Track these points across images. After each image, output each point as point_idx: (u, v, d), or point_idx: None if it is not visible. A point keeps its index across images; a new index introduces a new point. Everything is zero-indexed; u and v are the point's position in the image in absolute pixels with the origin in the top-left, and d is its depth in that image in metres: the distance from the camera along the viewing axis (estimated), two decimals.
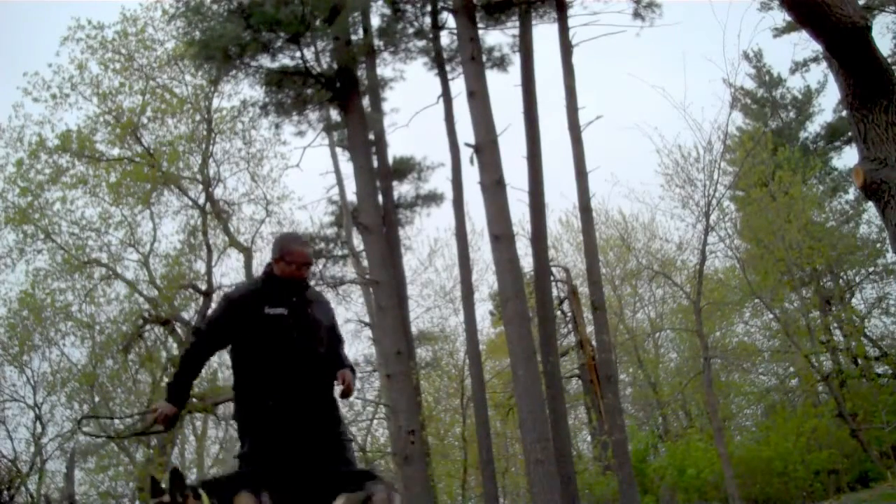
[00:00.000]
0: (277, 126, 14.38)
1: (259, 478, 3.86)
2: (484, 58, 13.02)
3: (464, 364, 17.98)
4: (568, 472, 11.82)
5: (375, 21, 14.17)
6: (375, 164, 14.03)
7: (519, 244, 12.58)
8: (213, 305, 4.66)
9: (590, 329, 15.78)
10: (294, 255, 4.11)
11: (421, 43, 14.25)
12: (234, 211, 16.99)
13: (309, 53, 12.89)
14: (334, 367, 4.16)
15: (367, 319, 14.22)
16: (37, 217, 15.34)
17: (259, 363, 3.98)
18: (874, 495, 10.60)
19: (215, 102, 16.28)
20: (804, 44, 20.02)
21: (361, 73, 13.84)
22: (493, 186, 11.35)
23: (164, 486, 3.66)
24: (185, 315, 16.39)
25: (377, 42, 14.05)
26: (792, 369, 17.51)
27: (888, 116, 4.33)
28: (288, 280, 4.10)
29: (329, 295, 17.59)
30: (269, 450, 3.91)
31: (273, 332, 3.98)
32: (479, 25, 12.95)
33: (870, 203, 5.46)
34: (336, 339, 4.31)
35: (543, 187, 12.95)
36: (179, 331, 16.07)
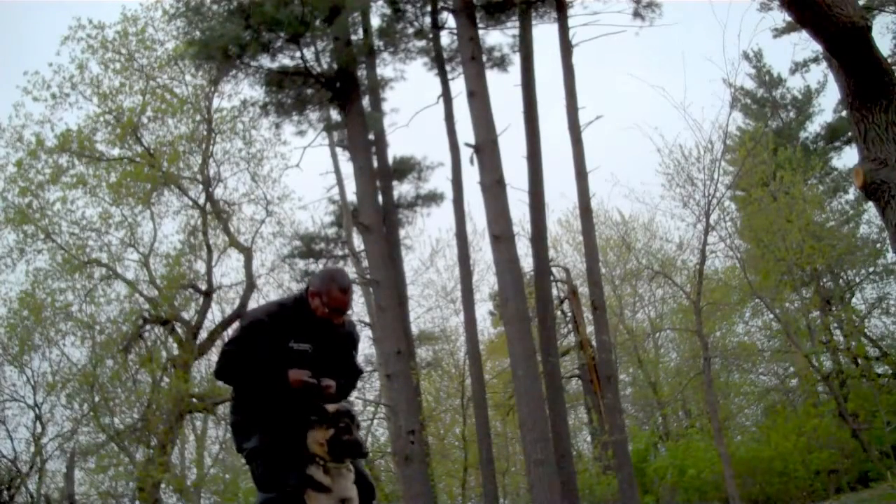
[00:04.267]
0: (277, 126, 14.44)
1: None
2: (484, 58, 13.03)
3: (464, 364, 17.97)
4: (568, 472, 11.82)
5: (375, 21, 14.21)
6: (375, 164, 14.04)
7: (519, 244, 12.58)
8: (240, 324, 4.33)
9: (590, 329, 15.77)
10: (332, 299, 3.89)
11: (421, 43, 14.26)
12: (234, 211, 17.01)
13: (309, 53, 12.91)
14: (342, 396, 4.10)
15: (367, 319, 14.23)
16: (37, 217, 15.34)
17: (272, 389, 3.88)
18: (874, 495, 10.59)
19: (215, 102, 16.31)
20: (804, 44, 20.06)
21: (361, 73, 13.84)
22: (493, 186, 11.36)
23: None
24: (185, 315, 16.40)
25: (377, 42, 14.05)
26: (792, 369, 17.50)
27: (888, 116, 4.33)
28: (319, 317, 3.93)
29: None
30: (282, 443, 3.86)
31: (293, 366, 3.86)
32: (479, 25, 12.95)
33: (870, 203, 5.46)
34: (352, 371, 4.21)
35: (543, 187, 12.96)
36: (179, 331, 16.07)
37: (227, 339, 4.08)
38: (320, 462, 3.86)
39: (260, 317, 3.97)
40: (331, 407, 3.95)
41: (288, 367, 3.85)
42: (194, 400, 15.61)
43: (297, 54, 12.74)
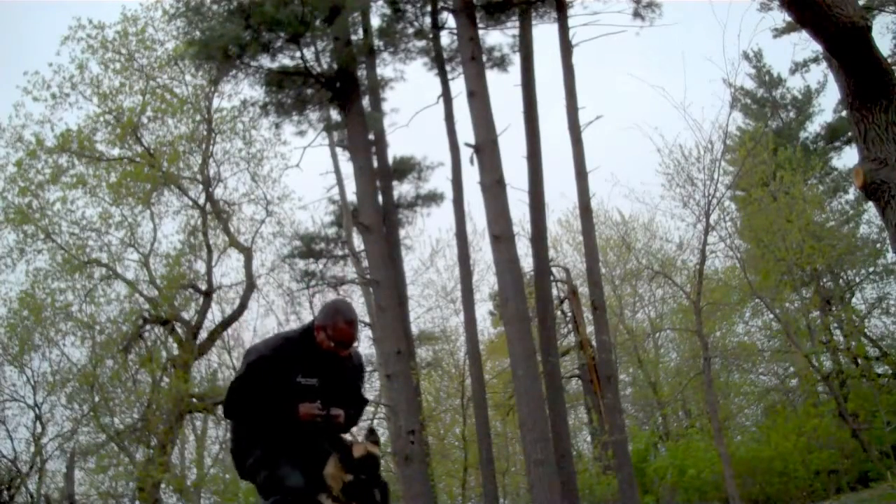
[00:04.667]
0: (277, 126, 14.42)
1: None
2: (484, 58, 13.02)
3: (464, 364, 17.98)
4: (568, 472, 11.82)
5: (375, 21, 14.21)
6: (375, 164, 14.04)
7: (519, 244, 12.57)
8: (245, 360, 4.06)
9: (590, 329, 15.78)
10: (337, 331, 3.85)
11: (421, 43, 14.26)
12: (234, 211, 17.02)
13: (309, 53, 12.90)
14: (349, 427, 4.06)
15: (367, 319, 14.23)
16: (37, 217, 15.35)
17: (278, 422, 3.85)
18: (874, 495, 10.59)
19: (215, 102, 16.32)
20: (804, 44, 20.08)
21: (361, 73, 13.84)
22: (493, 186, 11.35)
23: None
24: (185, 315, 16.40)
25: (377, 42, 14.05)
26: (792, 369, 17.49)
27: (888, 116, 4.33)
28: (325, 350, 3.90)
29: (329, 295, 17.63)
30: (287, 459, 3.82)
31: (301, 401, 3.83)
32: (479, 25, 12.95)
33: (870, 203, 5.46)
34: (358, 402, 4.18)
35: (543, 187, 12.96)
36: (179, 331, 16.08)
37: (233, 377, 4.02)
38: (331, 493, 3.81)
39: (265, 352, 3.92)
40: (357, 450, 3.89)
41: (296, 401, 3.81)
42: (194, 400, 15.62)
43: (297, 54, 12.74)
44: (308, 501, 3.76)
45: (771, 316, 16.48)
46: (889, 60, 4.61)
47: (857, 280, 18.89)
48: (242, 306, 16.83)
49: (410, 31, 14.15)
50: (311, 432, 3.86)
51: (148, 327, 15.90)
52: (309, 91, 13.18)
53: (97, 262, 15.70)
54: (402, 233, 15.68)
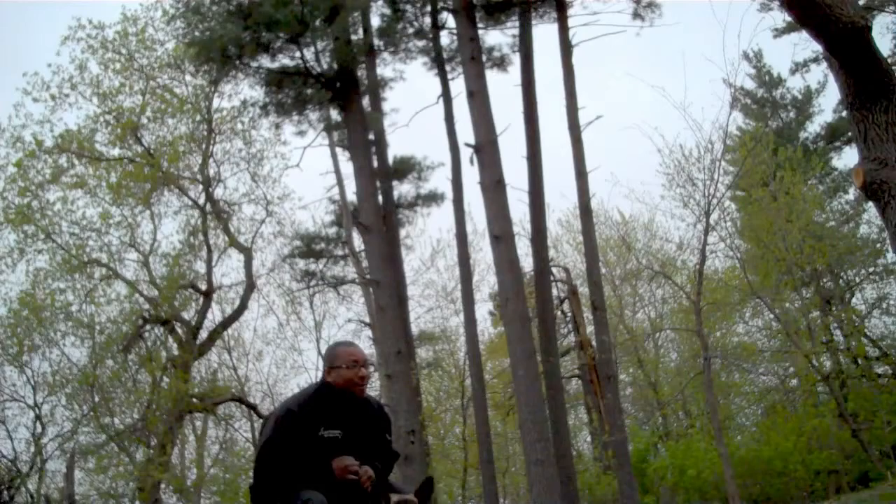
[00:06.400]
0: (277, 126, 14.44)
1: None
2: (484, 58, 13.03)
3: (464, 364, 17.98)
4: (568, 472, 11.82)
5: (375, 21, 14.22)
6: (375, 164, 14.03)
7: (519, 244, 12.58)
8: (267, 424, 3.85)
9: (590, 329, 15.78)
10: (343, 356, 3.79)
11: (421, 43, 14.27)
12: (234, 211, 17.02)
13: (309, 53, 12.91)
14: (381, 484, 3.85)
15: (367, 319, 14.22)
16: (37, 217, 15.34)
17: (303, 481, 3.64)
18: (874, 495, 10.60)
19: (215, 102, 16.32)
20: (804, 44, 20.07)
21: (361, 73, 13.84)
22: (493, 186, 11.36)
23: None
24: (185, 315, 16.40)
25: (377, 42, 14.06)
26: (792, 369, 17.49)
27: (888, 116, 4.33)
28: (346, 392, 3.77)
29: (329, 295, 17.64)
30: None
31: (326, 455, 3.67)
32: (479, 25, 12.96)
33: (870, 203, 5.46)
34: (387, 455, 4.00)
35: (543, 187, 12.96)
36: (179, 331, 16.08)
37: (260, 443, 3.87)
38: None
39: (292, 406, 3.78)
40: (394, 500, 3.75)
41: (326, 456, 3.67)
42: (194, 400, 15.61)
43: (297, 54, 12.75)
44: None
45: (771, 316, 16.48)
46: (889, 60, 4.61)
47: (857, 280, 18.88)
48: (242, 306, 16.83)
49: (410, 30, 14.16)
50: (346, 490, 3.69)
51: (148, 327, 15.90)
52: (309, 91, 13.19)
53: (97, 262, 15.69)
54: (402, 233, 15.70)
